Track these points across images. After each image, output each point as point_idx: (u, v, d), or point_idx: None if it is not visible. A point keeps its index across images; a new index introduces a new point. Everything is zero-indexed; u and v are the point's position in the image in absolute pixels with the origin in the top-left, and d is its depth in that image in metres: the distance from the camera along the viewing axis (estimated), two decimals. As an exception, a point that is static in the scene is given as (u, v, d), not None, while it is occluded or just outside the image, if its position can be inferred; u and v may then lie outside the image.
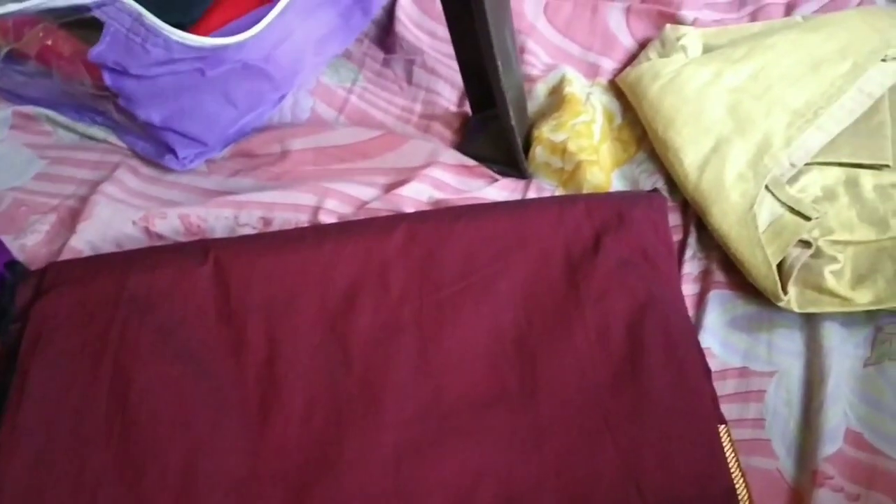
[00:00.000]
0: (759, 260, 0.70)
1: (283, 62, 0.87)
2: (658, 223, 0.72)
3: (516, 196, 0.83)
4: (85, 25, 0.74)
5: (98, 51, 0.74)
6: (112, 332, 0.68)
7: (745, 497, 0.60)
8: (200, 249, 0.73)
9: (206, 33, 0.78)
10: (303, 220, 0.81)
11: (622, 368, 0.64)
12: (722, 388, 0.68)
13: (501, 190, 0.83)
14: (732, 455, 0.62)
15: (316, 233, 0.75)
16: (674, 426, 0.61)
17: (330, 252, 0.72)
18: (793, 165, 0.76)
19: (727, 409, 0.67)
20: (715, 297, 0.73)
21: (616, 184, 0.83)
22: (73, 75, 0.85)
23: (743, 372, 0.69)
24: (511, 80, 0.77)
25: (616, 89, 0.88)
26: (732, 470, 0.61)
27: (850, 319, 0.70)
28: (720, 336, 0.71)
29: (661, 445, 0.60)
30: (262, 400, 0.66)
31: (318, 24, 0.89)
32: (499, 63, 0.72)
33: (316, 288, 0.71)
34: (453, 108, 0.91)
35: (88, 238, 0.81)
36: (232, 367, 0.67)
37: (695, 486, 0.59)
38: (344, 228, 0.75)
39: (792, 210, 0.72)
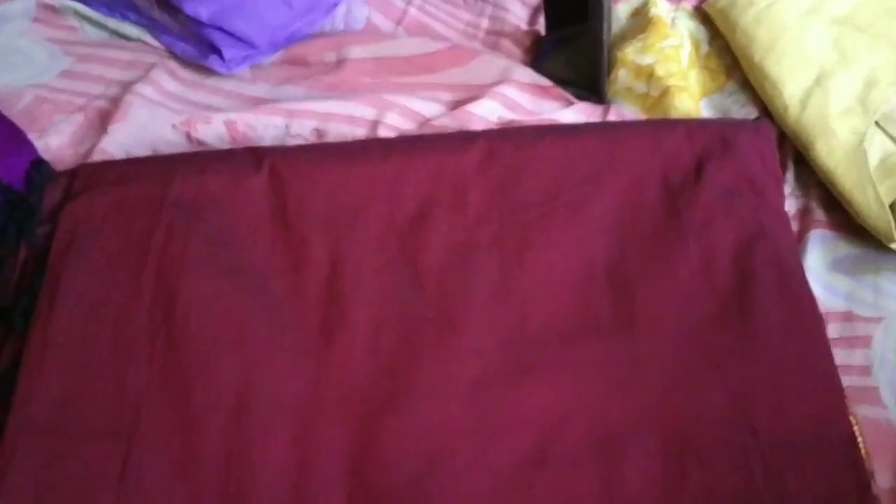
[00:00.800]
0: (871, 198, 0.65)
1: (332, -36, 0.80)
2: (766, 152, 0.66)
3: (594, 121, 0.76)
4: None
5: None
6: (155, 239, 0.62)
7: (863, 446, 0.55)
8: (254, 156, 0.66)
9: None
10: (360, 133, 0.75)
11: (730, 303, 0.58)
12: (825, 332, 0.63)
13: (578, 113, 0.76)
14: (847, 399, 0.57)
15: (381, 145, 0.69)
16: (789, 367, 0.56)
17: (398, 166, 0.66)
18: (902, 102, 0.71)
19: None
20: (815, 236, 0.68)
21: (705, 113, 0.77)
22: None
23: (847, 316, 0.64)
24: (603, -3, 0.71)
25: (703, 15, 0.82)
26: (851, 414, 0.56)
27: (964, 263, 0.65)
28: (822, 278, 0.66)
29: (776, 386, 0.55)
30: (324, 320, 0.60)
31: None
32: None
33: (383, 203, 0.64)
34: (524, 26, 0.84)
35: (121, 140, 0.74)
36: (291, 284, 0.61)
37: (813, 431, 0.54)
38: (413, 142, 0.69)
39: (905, 148, 0.67)
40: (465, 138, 0.68)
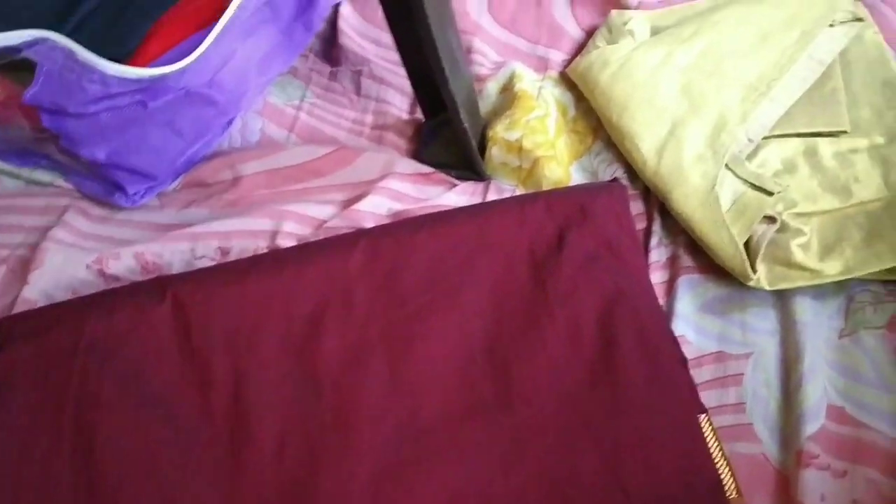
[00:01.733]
0: (726, 241, 0.69)
1: (227, 85, 0.85)
2: (620, 213, 0.71)
3: (476, 199, 0.81)
4: (17, 68, 0.72)
5: (32, 92, 0.72)
6: (71, 386, 0.66)
7: (732, 487, 0.59)
8: (157, 287, 0.71)
9: (143, 64, 0.76)
10: (261, 246, 0.79)
11: (596, 367, 0.62)
12: (699, 375, 0.67)
13: (461, 194, 0.81)
14: (716, 444, 0.61)
15: (274, 259, 0.73)
16: (654, 422, 0.60)
17: (290, 277, 0.70)
18: (750, 140, 0.75)
19: (706, 397, 0.66)
20: (685, 282, 0.72)
21: (576, 177, 0.81)
22: (9, 120, 0.82)
23: (719, 356, 0.68)
24: (460, 83, 0.76)
25: (568, 81, 0.87)
26: (717, 459, 0.60)
27: (822, 292, 0.69)
28: (693, 322, 0.70)
29: (643, 443, 0.59)
30: (231, 438, 0.64)
31: (260, 44, 0.87)
32: (445, 67, 0.70)
33: (279, 316, 0.69)
34: (405, 116, 0.89)
35: (42, 287, 0.78)
36: (199, 407, 0.65)
37: (680, 482, 0.58)
38: (303, 251, 0.73)
39: (754, 186, 0.72)
40: (349, 240, 0.72)
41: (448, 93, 0.73)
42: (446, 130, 0.81)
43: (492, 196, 0.81)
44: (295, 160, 0.85)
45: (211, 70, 0.81)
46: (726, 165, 0.73)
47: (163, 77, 0.75)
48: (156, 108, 0.77)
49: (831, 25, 0.80)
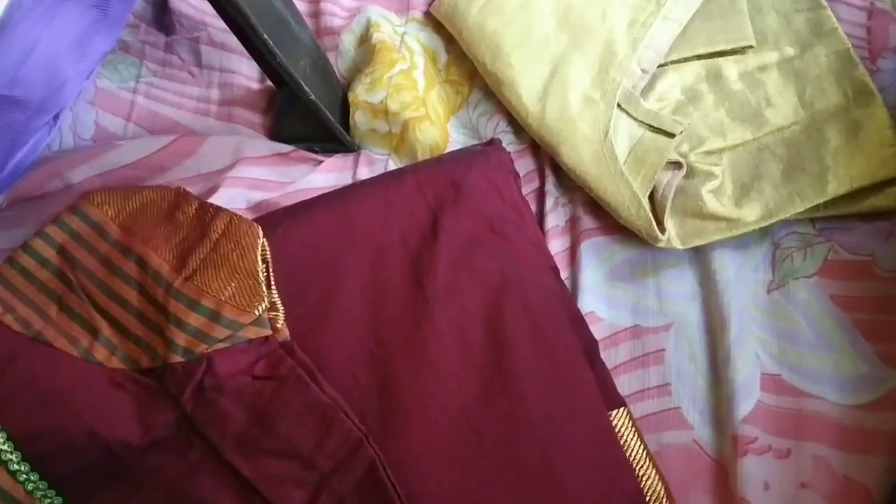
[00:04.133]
0: (626, 197, 0.59)
1: (36, 81, 0.71)
2: (501, 183, 0.60)
3: (346, 175, 0.70)
4: None
5: None
6: None
7: (661, 492, 0.51)
8: None
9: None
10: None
11: (488, 377, 0.53)
12: (615, 355, 0.58)
13: (329, 172, 0.70)
14: (637, 444, 0.53)
15: None
16: (558, 434, 0.51)
17: None
18: (644, 72, 0.64)
19: (625, 381, 0.57)
20: (588, 247, 0.62)
21: (454, 136, 0.70)
22: None
23: (635, 331, 0.59)
24: (295, 48, 0.64)
25: (435, 22, 0.75)
26: (639, 464, 0.51)
27: (743, 241, 0.60)
28: (603, 294, 0.60)
29: (548, 463, 0.50)
30: None
31: (68, 24, 0.73)
32: (265, 35, 0.58)
33: None
34: (256, 86, 0.77)
35: None
36: None
37: (599, 500, 0.49)
38: None
39: (652, 128, 0.61)
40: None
41: (280, 65, 0.61)
42: (300, 102, 0.70)
43: (363, 169, 0.69)
44: (130, 157, 0.72)
45: (9, 67, 0.67)
46: (619, 106, 0.62)
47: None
48: (-54, 125, 0.65)
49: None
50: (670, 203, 0.59)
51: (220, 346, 0.52)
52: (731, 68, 0.64)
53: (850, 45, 0.64)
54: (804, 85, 0.63)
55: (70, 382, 0.52)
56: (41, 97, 0.72)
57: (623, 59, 0.63)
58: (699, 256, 0.60)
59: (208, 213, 0.56)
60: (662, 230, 0.58)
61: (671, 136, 0.60)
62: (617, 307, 0.60)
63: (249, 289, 0.53)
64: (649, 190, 0.59)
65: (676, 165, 0.60)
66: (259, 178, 0.70)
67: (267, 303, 0.54)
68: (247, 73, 0.78)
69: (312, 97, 0.64)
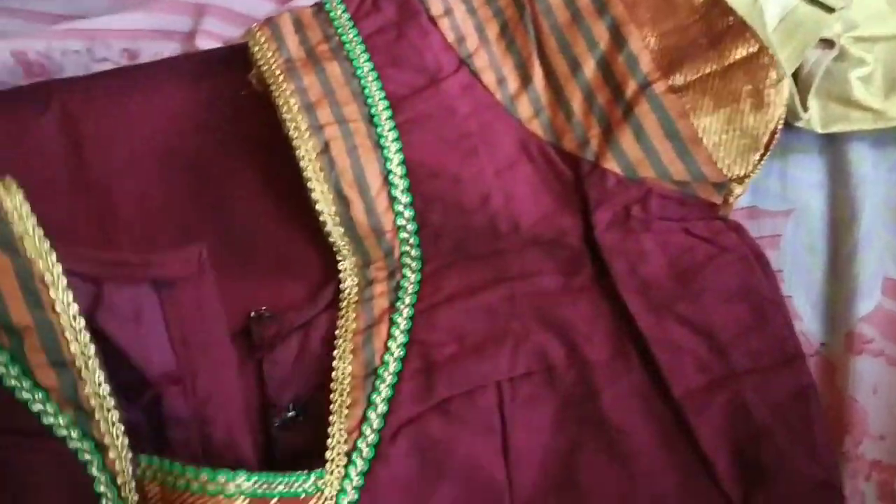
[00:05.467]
0: (771, 68, 0.54)
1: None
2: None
3: None
4: None
5: None
6: None
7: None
8: (43, 94, 0.54)
9: None
10: (175, 49, 0.63)
11: None
12: (726, 234, 0.54)
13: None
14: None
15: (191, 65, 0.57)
16: None
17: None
18: (805, -57, 0.59)
19: (736, 261, 0.53)
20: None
21: None
22: None
23: (752, 212, 0.55)
24: None
25: None
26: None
27: (882, 139, 0.56)
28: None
29: None
30: None
31: None
32: None
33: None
34: None
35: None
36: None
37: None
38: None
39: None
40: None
41: None
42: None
43: None
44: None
45: None
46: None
47: None
48: None
49: None
50: (816, 82, 0.54)
51: (668, 184, 0.47)
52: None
53: None
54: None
55: (486, 129, 0.48)
56: None
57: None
58: (833, 146, 0.56)
59: (726, 19, 0.49)
60: (805, 108, 0.54)
61: (830, 10, 0.55)
62: (736, 185, 0.56)
63: (743, 150, 0.47)
64: (796, 65, 0.55)
65: (828, 44, 0.55)
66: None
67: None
68: None
69: None
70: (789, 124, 0.54)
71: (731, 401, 0.43)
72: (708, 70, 0.48)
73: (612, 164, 0.47)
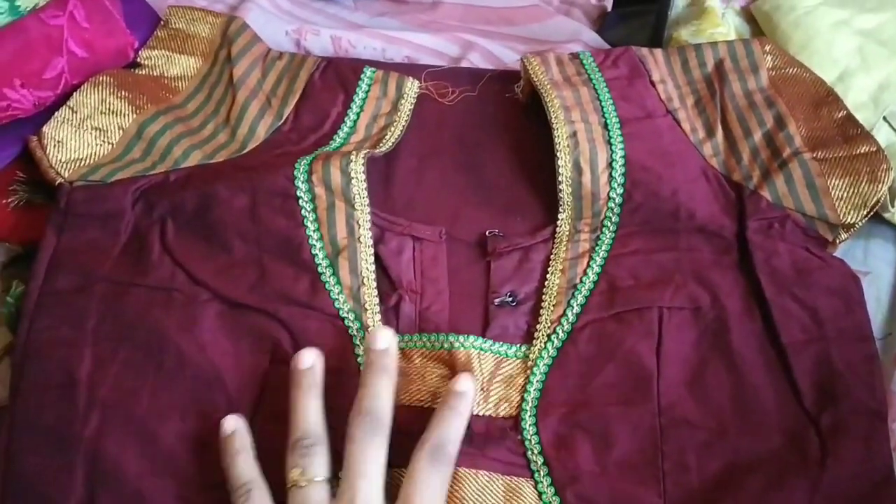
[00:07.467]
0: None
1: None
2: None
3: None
4: None
5: None
6: None
7: None
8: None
9: None
10: (444, 65, 0.86)
11: None
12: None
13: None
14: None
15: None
16: None
17: None
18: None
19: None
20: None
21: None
22: None
23: (841, 265, 0.76)
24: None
25: (748, 15, 0.94)
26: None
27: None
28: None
29: None
30: None
31: None
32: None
33: None
34: (594, 0, 0.96)
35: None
36: None
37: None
38: None
39: (906, 141, 0.80)
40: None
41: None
42: (632, 21, 0.89)
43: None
44: (494, 2, 0.91)
45: None
46: (884, 118, 0.81)
47: None
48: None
49: None
50: (902, 193, 0.77)
51: (800, 217, 0.70)
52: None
53: None
54: None
55: (681, 155, 0.73)
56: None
57: (896, 90, 0.83)
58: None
59: (856, 129, 0.74)
60: (893, 206, 0.76)
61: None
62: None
63: (856, 206, 0.70)
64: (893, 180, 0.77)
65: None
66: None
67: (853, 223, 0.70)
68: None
69: (668, 15, 0.84)
70: (878, 214, 0.76)
71: (820, 353, 0.63)
72: (841, 154, 0.71)
73: (765, 193, 0.70)
